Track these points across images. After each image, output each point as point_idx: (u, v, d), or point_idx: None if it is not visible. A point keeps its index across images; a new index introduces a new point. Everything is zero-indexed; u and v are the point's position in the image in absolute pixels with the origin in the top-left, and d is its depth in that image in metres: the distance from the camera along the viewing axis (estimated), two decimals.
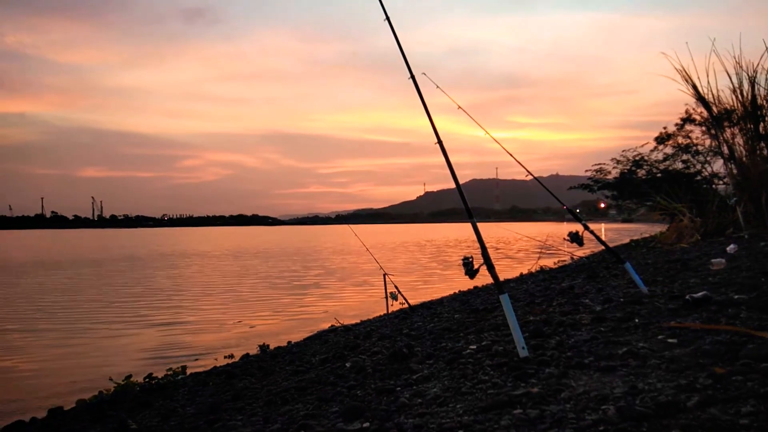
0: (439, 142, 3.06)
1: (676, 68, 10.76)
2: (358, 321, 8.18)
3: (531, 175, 5.79)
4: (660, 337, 2.76)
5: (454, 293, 10.81)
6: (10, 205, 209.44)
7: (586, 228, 4.57)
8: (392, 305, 8.05)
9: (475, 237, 2.96)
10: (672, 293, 4.12)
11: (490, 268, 2.78)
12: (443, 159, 3.20)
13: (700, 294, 3.47)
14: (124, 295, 13.50)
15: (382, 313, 8.24)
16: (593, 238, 4.62)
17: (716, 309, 3.21)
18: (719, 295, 3.63)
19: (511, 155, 6.29)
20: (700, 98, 11.15)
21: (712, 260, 5.35)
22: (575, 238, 4.27)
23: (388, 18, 3.31)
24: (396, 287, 8.07)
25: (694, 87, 11.26)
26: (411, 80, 3.21)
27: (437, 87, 5.32)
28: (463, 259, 2.76)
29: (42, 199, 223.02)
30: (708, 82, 11.07)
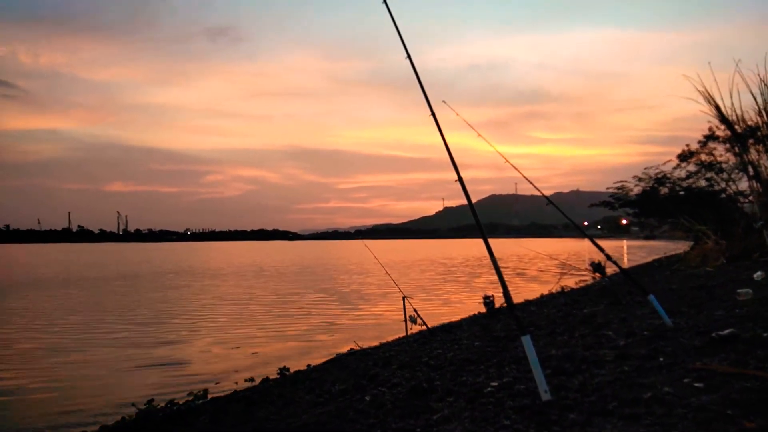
0: (460, 179, 3.07)
1: (698, 89, 10.65)
2: (378, 344, 8.15)
3: (551, 202, 5.75)
4: (686, 380, 2.71)
5: (474, 315, 10.72)
6: (38, 219, 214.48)
7: (609, 258, 4.52)
8: (411, 328, 8.04)
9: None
10: (697, 327, 4.04)
11: (511, 308, 2.77)
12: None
13: (726, 331, 3.40)
14: (145, 312, 13.63)
15: (401, 335, 8.22)
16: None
17: (744, 349, 3.14)
18: (746, 332, 3.55)
19: (528, 181, 6.27)
20: (724, 119, 11.00)
21: (739, 290, 5.24)
22: (598, 269, 4.22)
23: (409, 56, 3.35)
24: (415, 311, 8.06)
25: (717, 108, 11.12)
26: (432, 117, 3.24)
27: (457, 115, 5.36)
28: (484, 298, 2.74)
29: (69, 213, 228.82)
30: (732, 102, 10.92)
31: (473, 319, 9.15)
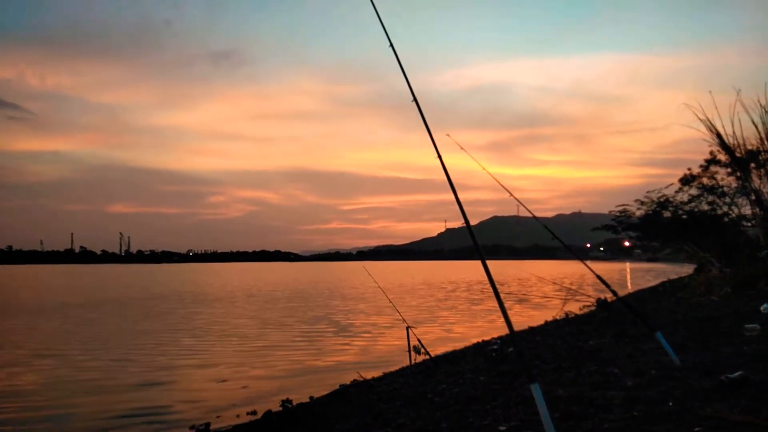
0: (467, 222, 3.09)
1: (700, 118, 10.72)
2: (381, 374, 8.08)
3: (551, 233, 5.75)
4: (697, 429, 2.68)
5: (477, 343, 10.64)
6: (41, 240, 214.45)
7: (616, 296, 4.50)
8: (415, 358, 7.97)
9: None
10: (705, 366, 4.00)
11: (520, 355, 2.75)
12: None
13: (736, 374, 3.37)
14: (120, 344, 12.39)
15: (405, 365, 8.15)
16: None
17: (755, 394, 3.11)
18: (757, 373, 3.52)
19: (528, 210, 6.28)
20: (726, 148, 11.05)
21: (746, 326, 5.21)
22: (604, 306, 4.20)
23: (415, 99, 3.40)
24: (419, 341, 8.00)
25: (719, 136, 11.18)
26: (439, 160, 3.27)
27: (461, 148, 5.40)
28: (491, 350, 2.72)
29: (72, 234, 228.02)
30: (733, 130, 10.98)
31: (477, 348, 9.08)
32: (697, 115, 10.77)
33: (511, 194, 5.08)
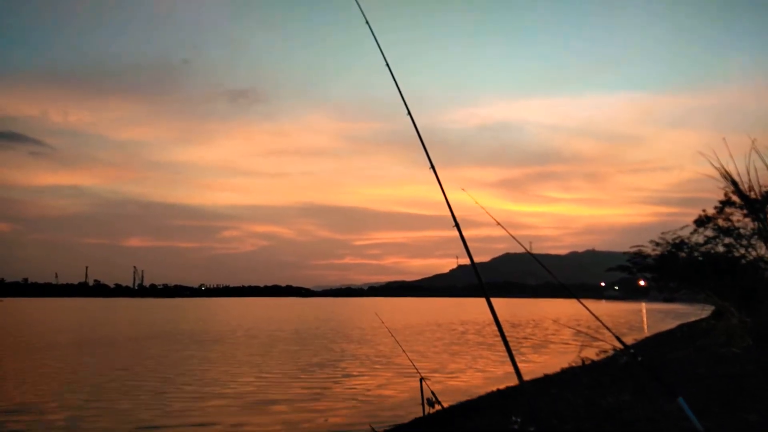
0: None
1: (714, 166, 10.68)
2: (393, 426, 7.96)
3: (557, 279, 5.69)
4: None
5: (491, 392, 10.46)
6: (56, 273, 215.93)
7: (641, 364, 4.40)
8: (428, 411, 7.83)
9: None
10: None
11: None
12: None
13: None
14: (87, 393, 11.34)
15: (418, 415, 8.01)
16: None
17: None
18: None
19: (538, 261, 6.23)
20: (742, 195, 10.96)
21: None
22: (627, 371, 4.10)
23: (433, 167, 3.45)
24: (433, 393, 7.87)
25: (734, 183, 11.10)
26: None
27: (476, 203, 5.42)
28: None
29: (86, 267, 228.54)
30: (749, 177, 10.91)
31: (491, 401, 8.89)
32: (711, 164, 10.74)
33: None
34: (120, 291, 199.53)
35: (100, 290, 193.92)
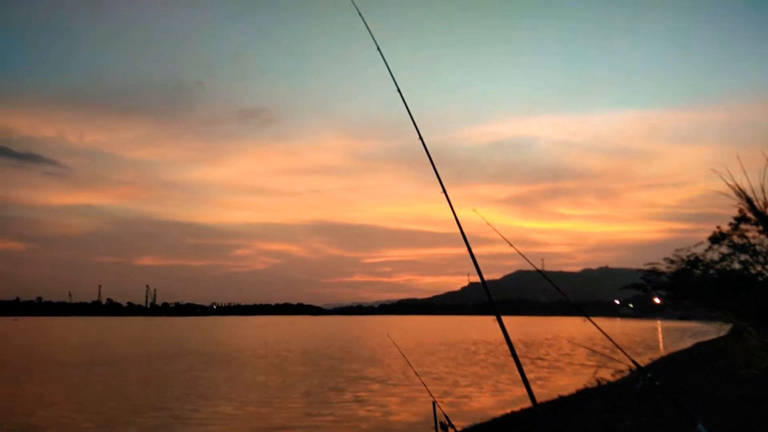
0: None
1: (729, 184, 10.58)
2: None
3: (568, 300, 5.64)
4: None
5: (506, 415, 10.33)
6: (70, 292, 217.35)
7: (659, 388, 4.33)
8: None
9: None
10: None
11: None
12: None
13: None
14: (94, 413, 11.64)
15: None
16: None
17: None
18: None
19: (548, 279, 6.20)
20: (757, 213, 10.83)
21: None
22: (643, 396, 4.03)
23: (445, 191, 3.46)
24: (446, 416, 7.80)
25: (749, 200, 10.99)
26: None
27: (488, 224, 5.43)
28: None
29: (100, 286, 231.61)
30: (764, 195, 10.80)
31: (504, 424, 8.80)
32: (725, 180, 10.65)
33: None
34: (132, 310, 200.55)
35: (113, 309, 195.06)
